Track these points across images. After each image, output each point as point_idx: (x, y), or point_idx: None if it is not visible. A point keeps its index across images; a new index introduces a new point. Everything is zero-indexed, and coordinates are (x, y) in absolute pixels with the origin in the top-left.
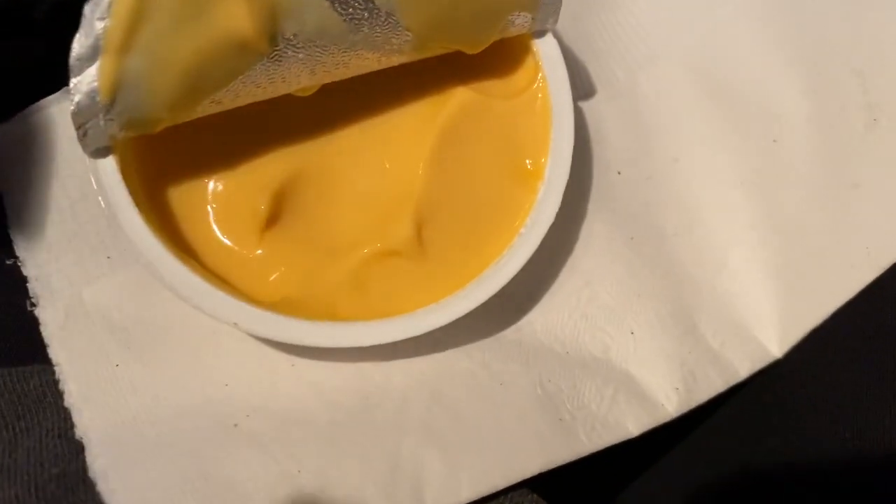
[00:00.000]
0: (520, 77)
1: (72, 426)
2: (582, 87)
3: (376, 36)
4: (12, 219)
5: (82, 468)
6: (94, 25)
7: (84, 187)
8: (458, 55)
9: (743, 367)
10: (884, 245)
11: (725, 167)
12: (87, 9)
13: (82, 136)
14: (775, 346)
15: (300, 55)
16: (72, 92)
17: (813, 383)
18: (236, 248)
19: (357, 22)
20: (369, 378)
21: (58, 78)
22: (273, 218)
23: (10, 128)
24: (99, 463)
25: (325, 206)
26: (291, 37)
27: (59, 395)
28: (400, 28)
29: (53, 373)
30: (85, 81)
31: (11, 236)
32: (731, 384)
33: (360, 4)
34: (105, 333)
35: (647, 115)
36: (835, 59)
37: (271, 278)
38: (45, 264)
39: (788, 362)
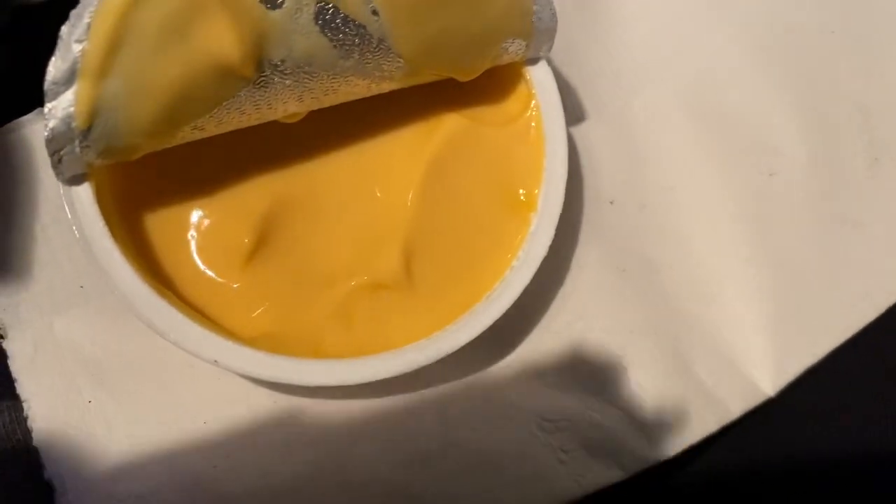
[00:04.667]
0: (512, 104)
1: (40, 466)
2: (574, 112)
3: (367, 62)
4: None
5: None
6: (71, 48)
7: (56, 212)
8: (450, 81)
9: (735, 406)
10: (885, 285)
11: (720, 198)
12: (63, 30)
13: (56, 162)
14: (769, 384)
15: (287, 81)
16: (46, 117)
17: (805, 417)
18: (218, 279)
19: (348, 48)
20: (354, 417)
21: (22, 87)
22: (257, 248)
23: None
24: None
25: (312, 236)
26: (279, 62)
27: (28, 434)
28: (392, 55)
29: (22, 409)
30: (60, 106)
31: None
32: (723, 424)
33: (351, 30)
34: (77, 367)
35: (640, 141)
36: (837, 93)
37: (254, 312)
38: (14, 293)
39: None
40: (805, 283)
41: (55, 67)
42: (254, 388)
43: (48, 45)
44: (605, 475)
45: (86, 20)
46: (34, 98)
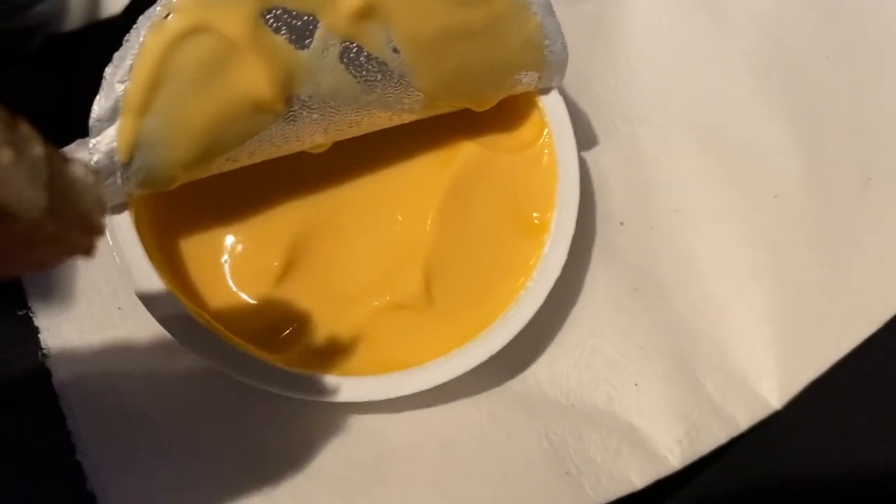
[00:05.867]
0: (526, 132)
1: (83, 478)
2: (585, 139)
3: (388, 96)
4: None
5: None
6: (114, 88)
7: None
8: (467, 111)
9: (743, 419)
10: (881, 300)
11: (726, 220)
12: (107, 71)
13: None
14: (775, 397)
15: (314, 115)
16: (91, 152)
17: (811, 430)
18: (250, 301)
19: (370, 83)
20: (380, 432)
21: (57, 113)
22: (286, 271)
23: None
24: None
25: (337, 259)
26: (307, 98)
27: (71, 447)
28: (411, 89)
29: (66, 424)
30: (104, 142)
31: (24, 287)
32: (732, 436)
33: (373, 67)
34: (114, 384)
35: (648, 166)
36: (833, 117)
37: (283, 333)
38: (56, 314)
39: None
40: (807, 300)
41: (99, 106)
42: (284, 406)
43: (79, 72)
44: (615, 488)
45: (128, 62)
46: (70, 123)
